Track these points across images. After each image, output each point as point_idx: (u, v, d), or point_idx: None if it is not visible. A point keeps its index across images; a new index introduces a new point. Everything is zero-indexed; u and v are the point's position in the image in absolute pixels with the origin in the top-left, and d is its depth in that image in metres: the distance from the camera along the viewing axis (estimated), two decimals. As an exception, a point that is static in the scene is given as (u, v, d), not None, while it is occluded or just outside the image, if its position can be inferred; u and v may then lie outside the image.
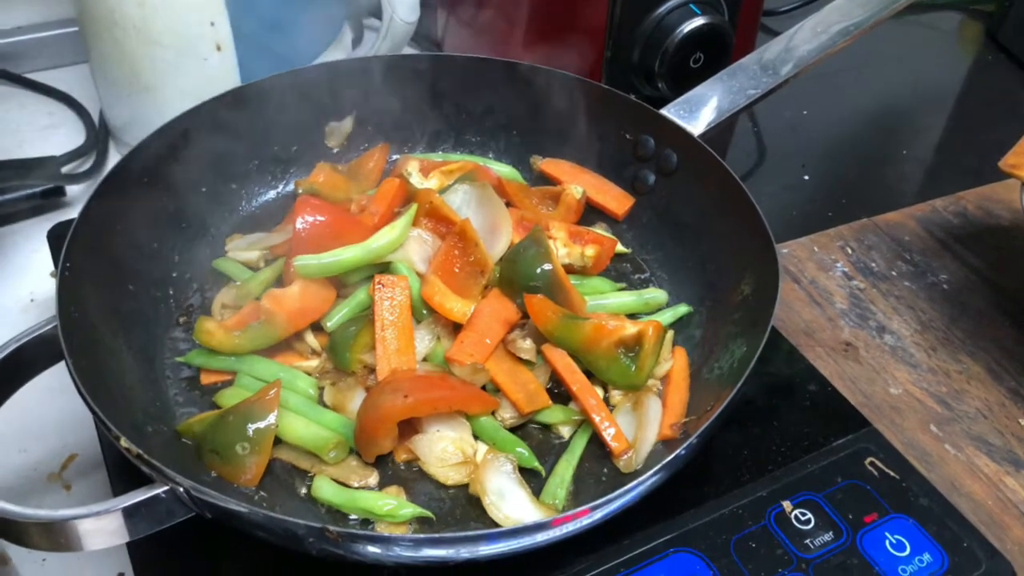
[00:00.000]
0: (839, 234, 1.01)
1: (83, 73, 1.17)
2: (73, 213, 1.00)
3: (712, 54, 1.06)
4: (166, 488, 0.57)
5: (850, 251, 1.00)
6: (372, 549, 0.55)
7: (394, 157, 0.94)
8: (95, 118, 1.12)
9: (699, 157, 0.82)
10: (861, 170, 1.17)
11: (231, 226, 0.87)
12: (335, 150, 0.94)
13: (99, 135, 1.10)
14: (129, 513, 0.56)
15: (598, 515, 0.58)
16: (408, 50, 1.16)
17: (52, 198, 1.00)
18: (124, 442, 0.57)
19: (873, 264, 0.98)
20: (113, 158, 1.08)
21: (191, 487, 0.56)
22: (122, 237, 0.76)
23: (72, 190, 1.03)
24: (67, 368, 0.62)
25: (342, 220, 0.78)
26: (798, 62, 0.89)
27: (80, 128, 1.12)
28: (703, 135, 0.83)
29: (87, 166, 1.06)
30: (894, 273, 0.97)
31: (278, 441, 0.68)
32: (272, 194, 0.90)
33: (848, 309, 0.93)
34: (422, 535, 0.60)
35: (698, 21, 1.03)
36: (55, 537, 0.56)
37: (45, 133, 1.12)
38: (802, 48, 0.90)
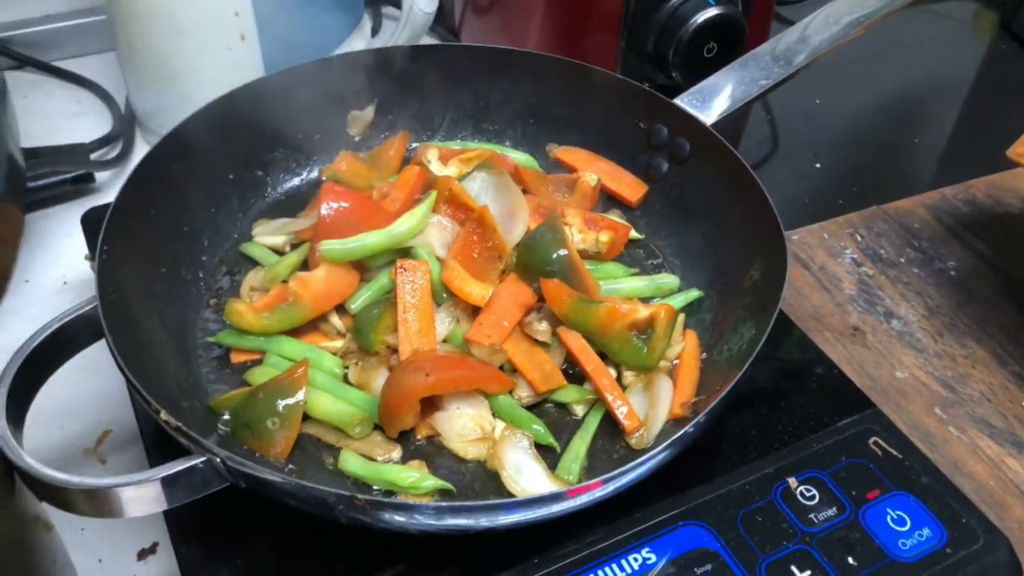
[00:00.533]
0: (849, 221, 1.04)
1: (110, 61, 1.21)
2: (102, 199, 1.04)
3: (726, 44, 1.09)
4: (203, 459, 0.60)
5: (859, 238, 1.02)
6: (398, 517, 0.59)
7: (414, 145, 0.98)
8: (121, 106, 1.16)
9: (711, 146, 0.85)
10: (873, 158, 1.19)
11: (257, 211, 0.91)
12: (357, 138, 0.97)
13: (126, 122, 1.13)
14: (168, 482, 0.60)
15: (611, 487, 0.61)
16: (427, 39, 1.19)
17: (81, 184, 1.04)
18: (164, 415, 0.61)
19: (882, 251, 1.01)
20: (140, 145, 1.12)
21: (227, 457, 0.60)
22: (155, 222, 0.79)
23: (101, 176, 1.07)
24: (108, 345, 0.65)
25: (365, 206, 0.81)
26: (811, 52, 0.91)
27: (107, 115, 1.16)
28: (716, 124, 0.86)
29: (115, 153, 1.10)
30: (902, 260, 1.00)
31: (306, 417, 0.72)
32: (296, 181, 0.94)
33: (856, 295, 0.96)
34: (444, 503, 0.63)
35: (712, 11, 1.06)
36: (99, 504, 0.61)
37: (73, 120, 1.16)
38: (815, 38, 0.93)
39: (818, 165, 1.17)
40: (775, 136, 1.25)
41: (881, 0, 0.95)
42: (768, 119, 1.26)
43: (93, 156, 1.08)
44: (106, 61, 1.23)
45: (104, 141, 1.10)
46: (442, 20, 1.26)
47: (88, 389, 0.83)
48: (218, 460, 0.60)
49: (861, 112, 1.28)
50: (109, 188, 1.06)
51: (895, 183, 1.13)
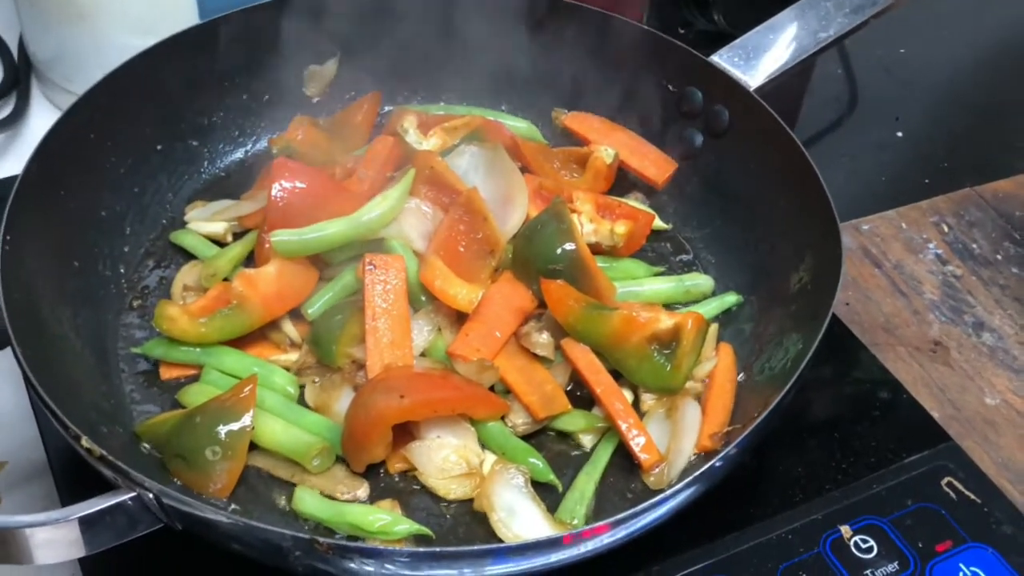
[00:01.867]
0: (934, 207, 1.12)
1: None
2: None
3: (782, -21, 1.15)
4: (132, 495, 0.67)
5: (946, 228, 1.10)
6: (366, 566, 0.66)
7: (386, 108, 1.05)
8: (14, 50, 1.21)
9: (755, 115, 0.92)
10: (969, 126, 1.26)
11: (192, 191, 0.98)
12: (315, 99, 1.04)
13: (20, 72, 1.19)
14: (88, 523, 0.67)
15: (621, 533, 0.68)
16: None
17: (-36, 151, 1.11)
18: (86, 442, 0.68)
19: (974, 245, 1.08)
20: (38, 101, 1.19)
21: (160, 492, 0.67)
22: (65, 205, 0.87)
23: (-11, 141, 1.13)
24: (16, 358, 0.73)
25: (325, 187, 0.89)
26: (889, -5, 0.99)
27: None
28: (761, 88, 0.93)
29: (6, 111, 1.16)
30: (999, 257, 1.07)
31: (253, 446, 0.79)
32: (240, 153, 1.02)
33: (939, 300, 1.03)
34: (422, 549, 0.71)
35: (764, -61, 1.12)
36: (4, 547, 0.68)
37: (-50, 69, 1.22)
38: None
39: (900, 134, 1.24)
40: (852, 93, 1.31)
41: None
42: (840, 72, 1.33)
43: (-23, 116, 1.14)
44: (-6, -8, 1.29)
45: (-8, 96, 1.16)
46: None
47: (-23, 411, 0.90)
48: (150, 496, 0.67)
49: (956, 65, 1.35)
50: (2, 157, 1.12)
51: (995, 159, 1.20)
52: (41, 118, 1.17)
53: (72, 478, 0.80)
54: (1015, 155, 1.21)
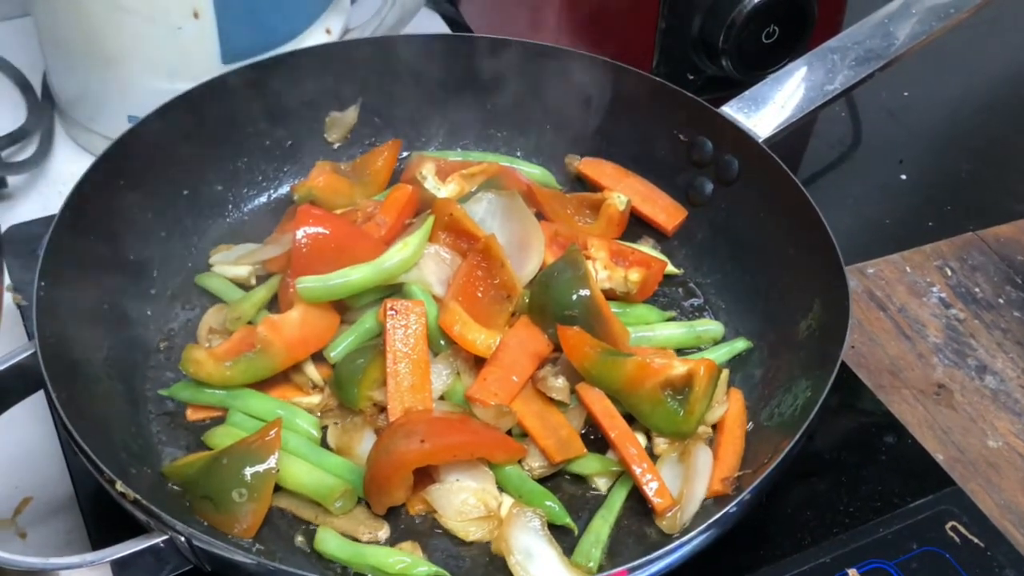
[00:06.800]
0: (937, 251, 1.15)
1: (24, 29, 1.28)
2: (17, 211, 1.13)
3: (790, 27, 1.18)
4: (164, 538, 0.71)
5: (950, 272, 1.13)
6: (389, 607, 0.69)
7: (404, 154, 1.08)
8: (38, 89, 1.24)
9: (764, 166, 0.95)
10: (971, 169, 1.29)
11: (217, 235, 1.01)
12: (336, 145, 1.08)
13: (43, 112, 1.22)
14: (122, 565, 0.70)
15: (637, 578, 0.71)
16: (424, 14, 1.29)
17: (-13, 193, 1.13)
18: (120, 486, 0.71)
19: (977, 289, 1.11)
20: (61, 140, 1.21)
21: (191, 535, 0.70)
22: (95, 250, 0.90)
23: (14, 181, 1.15)
24: (51, 403, 0.76)
25: (348, 233, 0.92)
26: (898, 47, 1.03)
27: (19, 101, 1.23)
28: (770, 139, 0.96)
29: (29, 152, 1.17)
30: (1002, 300, 1.10)
31: (277, 488, 0.81)
32: (264, 197, 1.05)
33: (943, 344, 1.06)
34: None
35: (772, -13, 1.16)
36: (37, 587, 0.71)
37: (-29, 108, 1.23)
38: (904, 27, 1.04)
39: (904, 176, 1.27)
40: (856, 135, 1.34)
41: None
42: (844, 115, 1.35)
43: (2, 155, 1.15)
44: (19, 29, 1.30)
45: (14, 137, 1.16)
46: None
47: (2, 448, 0.91)
48: (182, 539, 0.70)
49: (961, 108, 1.38)
50: (23, 198, 1.15)
51: (997, 203, 1.23)
52: (64, 158, 1.20)
53: (101, 516, 0.83)
54: (1017, 199, 1.24)
